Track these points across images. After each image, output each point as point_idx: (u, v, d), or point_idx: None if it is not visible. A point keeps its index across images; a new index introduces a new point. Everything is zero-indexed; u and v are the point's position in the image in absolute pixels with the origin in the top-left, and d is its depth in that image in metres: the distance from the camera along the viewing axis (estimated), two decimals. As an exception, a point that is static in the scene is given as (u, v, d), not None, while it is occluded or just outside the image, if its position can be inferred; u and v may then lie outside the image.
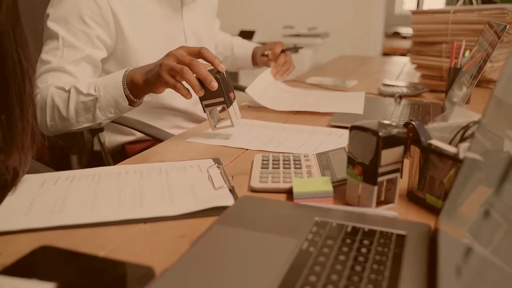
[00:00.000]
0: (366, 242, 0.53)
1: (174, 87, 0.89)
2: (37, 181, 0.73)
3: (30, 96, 0.67)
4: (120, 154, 1.24)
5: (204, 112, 0.94)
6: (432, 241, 0.54)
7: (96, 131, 1.20)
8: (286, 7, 3.11)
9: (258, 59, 1.49)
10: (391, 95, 1.41)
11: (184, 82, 0.90)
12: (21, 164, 0.69)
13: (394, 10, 6.85)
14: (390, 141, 0.61)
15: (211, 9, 1.43)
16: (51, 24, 1.06)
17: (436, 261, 0.48)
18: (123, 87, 0.94)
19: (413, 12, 1.75)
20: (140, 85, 0.93)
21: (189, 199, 0.66)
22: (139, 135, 1.21)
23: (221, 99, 0.90)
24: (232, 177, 0.73)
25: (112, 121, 1.14)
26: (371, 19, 3.10)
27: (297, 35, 2.63)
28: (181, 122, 1.28)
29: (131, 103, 0.97)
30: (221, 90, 0.89)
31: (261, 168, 0.77)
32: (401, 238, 0.55)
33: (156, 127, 1.14)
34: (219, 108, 0.95)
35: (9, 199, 0.66)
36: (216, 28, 1.55)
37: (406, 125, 0.66)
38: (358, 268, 0.48)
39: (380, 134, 0.60)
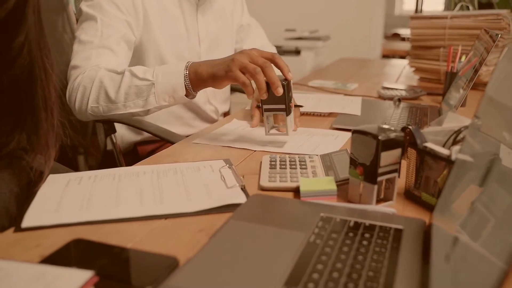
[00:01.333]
0: (367, 235, 0.59)
1: (243, 84, 0.91)
2: (62, 180, 0.79)
3: (55, 100, 0.73)
4: (132, 154, 1.29)
5: (262, 115, 0.96)
6: (426, 234, 0.60)
7: (109, 132, 1.26)
8: (288, 11, 3.18)
9: (252, 103, 1.26)
10: (390, 98, 1.46)
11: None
12: (46, 163, 0.75)
13: (394, 11, 6.90)
14: (389, 144, 0.67)
15: (230, 13, 1.43)
16: (87, 9, 1.12)
17: (429, 250, 0.54)
18: (184, 76, 0.97)
19: (412, 17, 1.81)
20: (203, 77, 0.95)
21: (204, 197, 0.72)
22: (149, 134, 1.27)
23: (282, 106, 0.92)
24: (243, 177, 0.79)
25: (126, 124, 1.20)
26: (371, 22, 3.16)
27: (299, 38, 2.69)
28: (192, 120, 1.33)
29: (187, 94, 1.00)
30: (284, 97, 0.91)
31: (269, 168, 0.83)
32: (398, 232, 0.60)
33: (167, 130, 1.20)
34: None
35: (39, 197, 0.72)
36: (248, 31, 1.52)
37: (403, 129, 0.72)
38: (360, 257, 0.54)
39: (379, 138, 0.66)
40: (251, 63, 0.90)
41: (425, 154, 0.70)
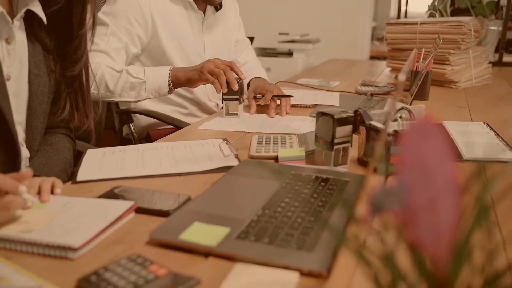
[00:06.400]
0: (322, 183, 0.84)
1: (213, 83, 1.28)
2: (99, 152, 1.04)
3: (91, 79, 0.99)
4: (145, 140, 1.54)
5: (222, 103, 1.34)
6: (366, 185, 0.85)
7: (127, 121, 1.51)
8: (281, 16, 3.44)
9: (249, 95, 1.49)
10: (365, 94, 1.71)
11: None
12: (93, 122, 1.00)
13: (389, 14, 7.12)
14: (342, 122, 0.92)
15: (231, 30, 1.69)
16: (102, 16, 1.38)
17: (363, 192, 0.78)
18: (168, 79, 1.32)
19: (387, 23, 2.05)
20: (181, 81, 1.33)
21: (207, 162, 0.97)
22: (162, 123, 1.52)
23: (237, 96, 1.32)
24: (237, 150, 1.03)
25: (144, 114, 1.46)
26: (359, 26, 3.41)
27: (291, 41, 2.94)
28: (196, 111, 1.59)
29: (168, 91, 1.34)
30: (238, 91, 1.30)
31: (257, 144, 1.07)
32: (345, 182, 0.85)
33: (177, 118, 1.45)
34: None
35: (85, 162, 0.97)
36: (242, 46, 1.78)
37: (355, 112, 0.97)
38: (315, 195, 0.79)
39: (335, 116, 0.91)
40: (216, 68, 1.26)
41: (370, 130, 0.95)
